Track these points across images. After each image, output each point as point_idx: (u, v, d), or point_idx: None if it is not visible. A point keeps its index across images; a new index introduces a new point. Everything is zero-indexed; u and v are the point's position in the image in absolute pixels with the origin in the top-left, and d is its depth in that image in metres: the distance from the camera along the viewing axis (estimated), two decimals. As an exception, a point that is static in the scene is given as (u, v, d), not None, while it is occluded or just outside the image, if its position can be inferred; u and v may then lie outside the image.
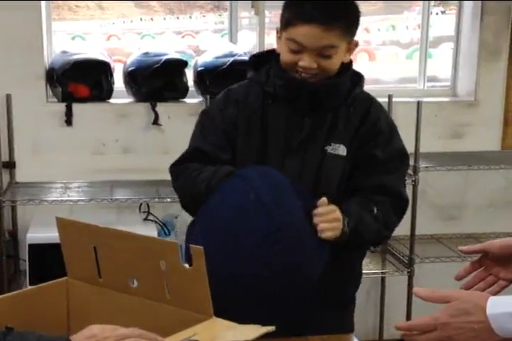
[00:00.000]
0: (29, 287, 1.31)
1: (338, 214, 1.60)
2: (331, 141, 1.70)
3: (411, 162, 3.02)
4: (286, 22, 1.64)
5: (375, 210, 1.70)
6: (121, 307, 1.22)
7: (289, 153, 1.70)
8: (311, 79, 1.67)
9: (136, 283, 1.21)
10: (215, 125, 1.75)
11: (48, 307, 1.29)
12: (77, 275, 1.28)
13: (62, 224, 1.26)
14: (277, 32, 1.71)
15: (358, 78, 1.75)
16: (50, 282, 1.30)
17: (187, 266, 1.12)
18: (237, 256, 1.52)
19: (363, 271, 3.05)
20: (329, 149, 1.70)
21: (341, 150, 1.71)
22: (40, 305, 1.28)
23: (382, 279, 3.34)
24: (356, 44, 1.72)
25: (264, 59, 1.78)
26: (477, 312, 1.13)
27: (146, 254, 1.15)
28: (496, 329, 1.11)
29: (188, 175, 1.72)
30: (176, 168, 1.79)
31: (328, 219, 1.58)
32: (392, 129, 1.79)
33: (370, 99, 1.78)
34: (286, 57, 1.67)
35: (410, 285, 3.07)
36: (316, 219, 1.56)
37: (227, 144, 1.73)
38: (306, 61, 1.64)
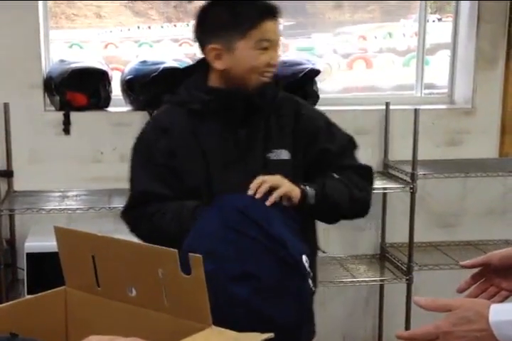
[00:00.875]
0: (27, 296, 1.30)
1: (279, 177, 1.61)
2: (271, 147, 1.71)
3: (409, 169, 3.04)
4: (247, 27, 1.65)
5: (336, 176, 1.72)
6: (120, 317, 1.21)
7: (230, 167, 1.69)
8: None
9: (134, 292, 1.20)
10: (153, 160, 1.71)
11: (47, 317, 1.28)
12: (75, 284, 1.28)
13: (60, 233, 1.25)
14: (215, 49, 1.68)
15: (278, 82, 1.77)
16: (48, 291, 1.30)
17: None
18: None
19: (362, 279, 3.09)
20: (272, 156, 1.71)
21: (284, 154, 1.72)
22: (39, 315, 1.27)
23: (381, 287, 3.34)
24: None
25: (175, 80, 1.78)
26: (479, 320, 1.11)
27: (145, 263, 1.15)
28: (499, 337, 1.10)
29: (147, 221, 1.69)
30: (130, 215, 1.75)
31: (274, 181, 1.58)
32: (330, 122, 1.82)
33: (292, 98, 1.81)
34: (258, 60, 1.67)
35: (409, 293, 3.07)
36: (261, 188, 1.56)
37: (171, 177, 1.70)
38: (274, 58, 1.69)
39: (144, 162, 1.73)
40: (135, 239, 1.69)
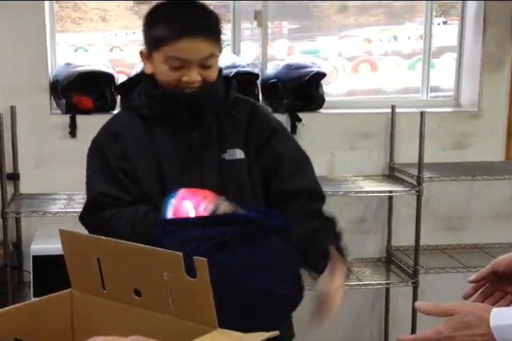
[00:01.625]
0: (33, 299, 1.31)
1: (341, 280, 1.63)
2: (224, 147, 1.70)
3: (415, 172, 3.04)
4: (159, 41, 1.61)
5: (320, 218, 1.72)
6: (126, 319, 1.22)
7: (185, 170, 1.68)
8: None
9: (140, 295, 1.20)
10: (106, 163, 1.70)
11: (53, 319, 1.28)
12: (81, 287, 1.28)
13: (65, 236, 1.25)
14: (142, 54, 1.68)
15: (229, 82, 1.75)
16: (54, 294, 1.29)
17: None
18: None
19: (368, 282, 3.09)
20: (226, 156, 1.69)
21: (238, 154, 1.70)
22: (45, 317, 1.27)
23: (387, 290, 3.33)
24: (221, 50, 1.73)
25: (132, 84, 1.77)
26: (480, 324, 1.12)
27: (150, 266, 1.15)
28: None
29: (104, 227, 1.67)
30: (87, 220, 1.73)
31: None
32: (282, 126, 1.81)
33: (249, 101, 1.80)
34: (167, 76, 1.64)
35: (415, 296, 3.06)
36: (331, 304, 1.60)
37: (126, 181, 1.69)
38: (190, 75, 1.62)
39: (99, 166, 1.72)
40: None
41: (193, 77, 1.63)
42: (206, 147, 1.69)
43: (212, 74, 1.66)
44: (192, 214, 1.52)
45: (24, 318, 1.23)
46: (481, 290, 1.36)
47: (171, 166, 1.67)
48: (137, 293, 1.19)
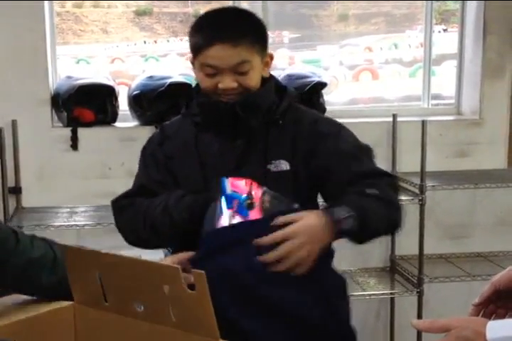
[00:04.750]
0: (36, 312, 1.32)
1: (295, 240, 1.48)
2: (270, 158, 1.68)
3: (417, 181, 3.03)
4: (195, 49, 1.66)
5: (376, 191, 1.57)
6: (128, 332, 1.22)
7: (228, 177, 1.67)
8: (235, 99, 1.66)
9: (142, 308, 1.21)
10: (156, 161, 1.76)
11: (55, 332, 1.29)
12: (83, 300, 1.29)
13: (66, 251, 1.27)
14: (191, 62, 1.72)
15: (284, 92, 1.74)
16: (56, 307, 1.31)
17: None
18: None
19: (372, 292, 3.08)
20: (272, 167, 1.68)
21: (283, 165, 1.68)
22: (47, 330, 1.29)
23: (392, 300, 3.32)
24: (271, 57, 1.73)
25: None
26: (477, 338, 1.12)
27: (150, 279, 1.16)
28: None
29: (135, 209, 1.71)
30: (119, 202, 1.78)
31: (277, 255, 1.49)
32: (340, 126, 1.74)
33: (299, 109, 1.77)
34: (204, 83, 1.67)
35: (420, 306, 3.05)
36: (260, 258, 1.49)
37: (170, 179, 1.74)
38: (224, 82, 1.64)
39: (149, 160, 1.78)
40: (143, 254, 1.71)
41: (227, 83, 1.63)
42: (251, 157, 1.69)
43: (249, 81, 1.66)
44: (247, 188, 1.55)
45: (27, 331, 1.25)
46: (484, 310, 1.36)
47: (216, 174, 1.66)
48: (139, 305, 1.20)
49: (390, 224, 1.65)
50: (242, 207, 1.53)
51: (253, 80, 1.66)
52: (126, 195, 1.79)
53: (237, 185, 1.57)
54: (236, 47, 1.62)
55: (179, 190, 1.68)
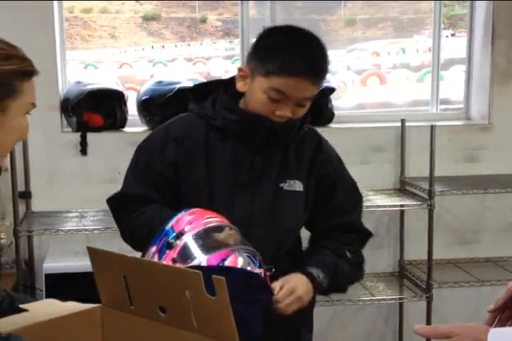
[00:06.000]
0: (61, 309, 1.32)
1: (298, 292, 1.59)
2: (285, 177, 1.69)
3: (426, 186, 3.03)
4: (272, 71, 1.59)
5: (349, 254, 1.74)
6: (153, 336, 1.24)
7: (237, 190, 1.67)
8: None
9: (165, 312, 1.22)
10: (151, 166, 1.70)
11: (83, 334, 1.30)
12: (110, 302, 1.30)
13: (94, 253, 1.28)
14: (241, 70, 1.67)
15: (306, 115, 1.73)
16: (84, 309, 1.31)
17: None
18: None
19: (381, 297, 3.07)
20: (285, 186, 1.68)
21: (297, 186, 1.70)
22: (75, 331, 1.29)
23: (400, 305, 3.31)
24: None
25: (206, 90, 1.75)
26: None
27: (172, 284, 1.17)
28: None
29: (127, 215, 1.71)
30: (114, 203, 1.78)
31: (291, 301, 1.57)
32: (342, 164, 1.82)
33: (317, 134, 1.79)
34: (262, 105, 1.63)
35: (429, 311, 3.04)
36: (279, 306, 1.55)
37: (163, 185, 1.69)
38: (285, 111, 1.62)
39: (141, 166, 1.73)
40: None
41: (287, 113, 1.62)
42: (266, 173, 1.68)
43: (301, 113, 1.67)
44: (187, 228, 1.49)
45: (54, 332, 1.25)
46: (499, 316, 1.35)
47: (224, 183, 1.66)
48: (162, 309, 1.20)
49: (352, 281, 1.84)
50: (166, 244, 1.48)
51: (304, 112, 1.68)
52: (117, 198, 1.77)
53: (180, 221, 1.51)
54: (315, 85, 1.62)
55: (168, 211, 1.61)
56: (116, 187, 3.09)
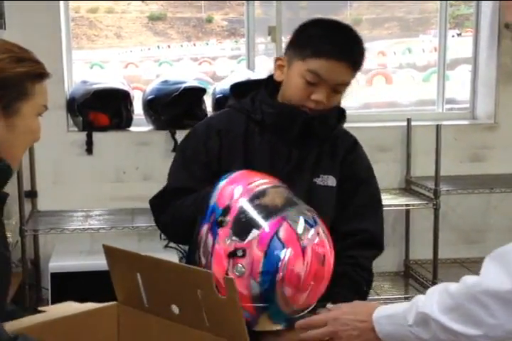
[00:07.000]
0: (78, 311, 1.33)
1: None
2: (319, 172, 1.70)
3: (432, 185, 3.02)
4: (310, 52, 1.62)
5: (365, 287, 1.69)
6: (167, 334, 1.25)
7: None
8: (312, 113, 1.65)
9: (178, 310, 1.23)
10: (198, 159, 1.71)
11: (99, 331, 1.31)
12: (125, 300, 1.31)
13: (109, 251, 1.29)
14: (279, 59, 1.69)
15: (342, 113, 1.75)
16: (101, 306, 1.32)
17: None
18: None
19: (387, 296, 3.07)
20: (318, 181, 1.69)
21: (331, 181, 1.70)
22: (92, 328, 1.30)
23: (406, 304, 3.31)
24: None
25: (245, 88, 1.77)
26: (364, 313, 1.26)
27: (184, 283, 1.17)
28: (377, 331, 1.23)
29: (171, 209, 1.68)
30: (158, 201, 1.74)
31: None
32: (371, 171, 1.79)
33: (351, 136, 1.79)
34: (298, 89, 1.64)
35: (434, 311, 3.03)
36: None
37: (211, 178, 1.66)
38: (320, 94, 1.62)
39: (188, 159, 1.74)
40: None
41: (321, 97, 1.62)
42: (301, 167, 1.69)
43: (337, 100, 1.68)
44: (232, 200, 1.45)
45: (71, 329, 1.26)
46: None
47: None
48: (175, 308, 1.21)
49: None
50: (215, 223, 1.44)
51: (338, 101, 1.69)
52: (164, 194, 1.74)
53: (223, 195, 1.47)
54: (349, 68, 1.63)
55: (208, 188, 1.58)
56: (122, 186, 3.14)
